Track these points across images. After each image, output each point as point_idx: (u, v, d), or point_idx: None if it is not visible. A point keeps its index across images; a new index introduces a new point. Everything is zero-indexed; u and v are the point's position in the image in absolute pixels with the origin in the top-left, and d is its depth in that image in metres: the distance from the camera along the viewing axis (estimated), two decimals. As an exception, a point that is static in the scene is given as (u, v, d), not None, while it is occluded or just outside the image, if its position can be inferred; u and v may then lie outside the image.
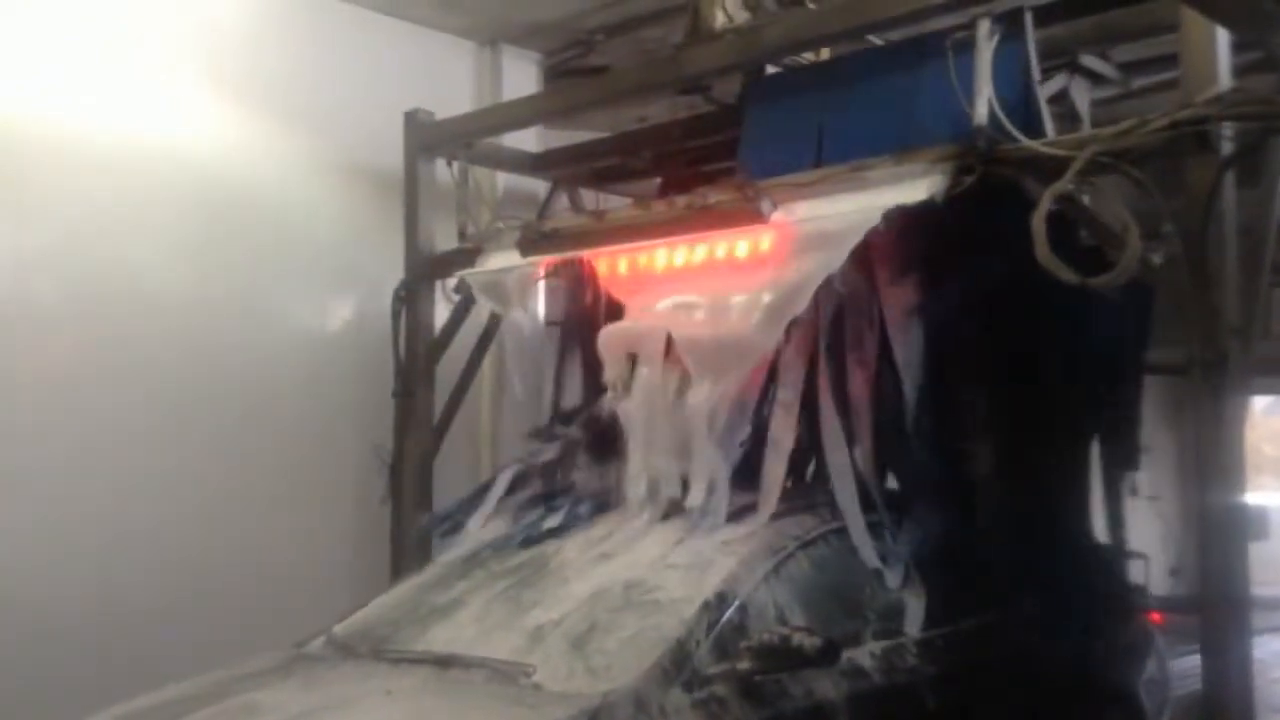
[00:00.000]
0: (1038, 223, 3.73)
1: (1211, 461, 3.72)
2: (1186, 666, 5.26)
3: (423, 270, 6.08)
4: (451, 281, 5.99)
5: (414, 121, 6.14)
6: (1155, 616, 5.41)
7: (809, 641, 3.42)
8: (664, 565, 3.94)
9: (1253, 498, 3.98)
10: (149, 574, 5.38)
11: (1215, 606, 3.72)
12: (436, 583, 4.34)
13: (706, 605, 3.62)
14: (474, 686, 3.44)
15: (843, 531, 4.17)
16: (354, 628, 4.16)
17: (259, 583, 5.64)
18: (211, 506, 5.66)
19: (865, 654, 3.89)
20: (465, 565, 4.41)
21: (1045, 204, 3.75)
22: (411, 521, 5.94)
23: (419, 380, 6.06)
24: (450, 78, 6.84)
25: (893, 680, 3.91)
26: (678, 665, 3.41)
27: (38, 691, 4.78)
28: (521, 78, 7.03)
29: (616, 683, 3.32)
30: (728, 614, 3.62)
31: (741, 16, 5.09)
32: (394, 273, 6.11)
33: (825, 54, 5.51)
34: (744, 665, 3.45)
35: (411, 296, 6.07)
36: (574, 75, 7.15)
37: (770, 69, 5.59)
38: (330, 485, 6.17)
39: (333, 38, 6.31)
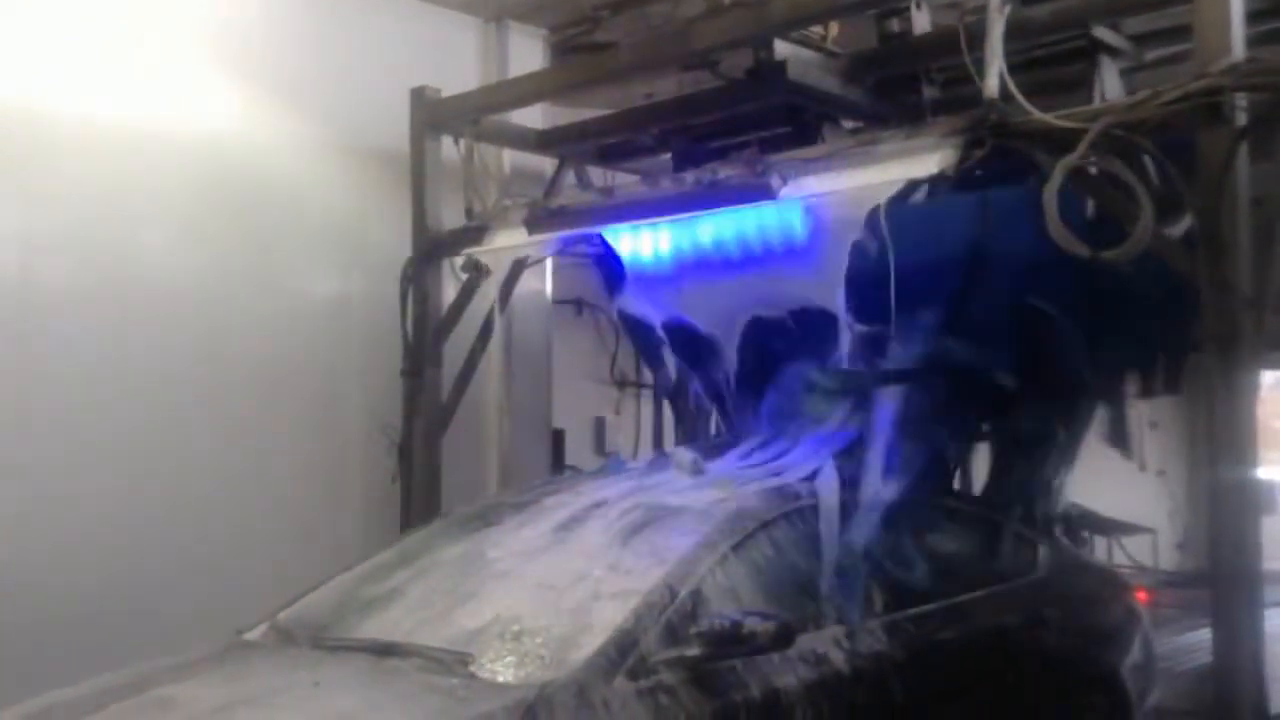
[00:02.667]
0: (1049, 196, 3.71)
1: (1223, 436, 3.71)
2: (1195, 640, 5.27)
3: (430, 248, 6.05)
4: (459, 259, 5.97)
5: (420, 99, 6.12)
6: (1142, 595, 5.29)
7: (762, 626, 3.28)
8: (615, 548, 3.76)
9: (1263, 473, 3.97)
10: (159, 554, 5.38)
11: (1227, 580, 3.72)
12: (383, 569, 4.17)
13: (657, 589, 3.44)
14: (407, 677, 3.28)
15: (805, 511, 4.04)
16: (297, 614, 4.00)
17: (269, 563, 5.62)
18: (221, 487, 5.66)
19: (827, 639, 3.71)
20: (412, 551, 4.26)
21: (1057, 177, 3.72)
22: (421, 500, 5.96)
23: (427, 359, 6.05)
24: (456, 55, 6.80)
25: (855, 666, 3.72)
26: (623, 653, 3.24)
27: (48, 678, 4.78)
28: (527, 54, 6.99)
29: (558, 672, 3.16)
30: (680, 598, 3.44)
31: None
32: (401, 251, 6.09)
33: (834, 29, 5.46)
34: (694, 652, 3.29)
35: (419, 275, 6.05)
36: (580, 51, 7.09)
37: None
38: (339, 464, 6.17)
39: (339, 16, 6.27)
